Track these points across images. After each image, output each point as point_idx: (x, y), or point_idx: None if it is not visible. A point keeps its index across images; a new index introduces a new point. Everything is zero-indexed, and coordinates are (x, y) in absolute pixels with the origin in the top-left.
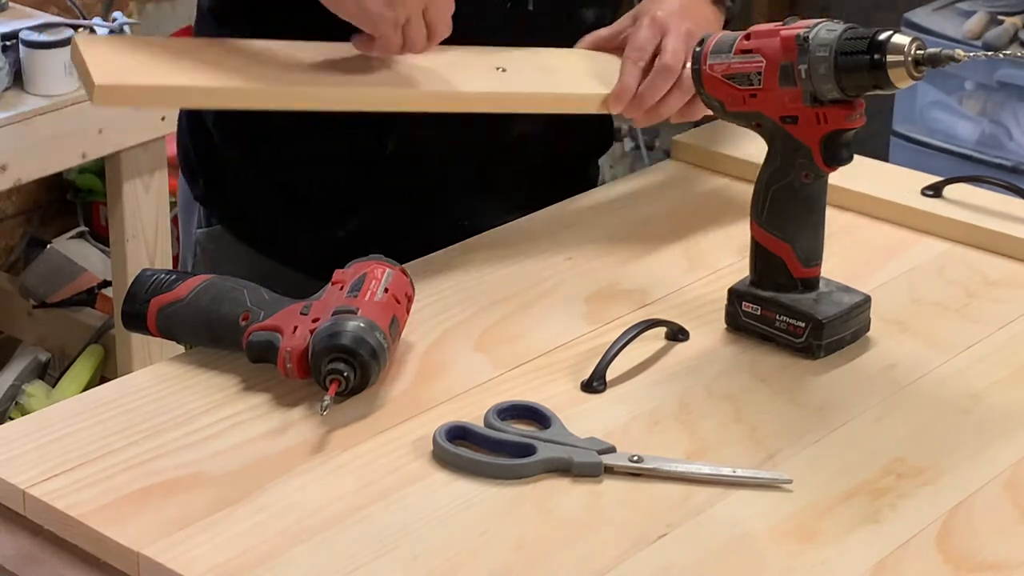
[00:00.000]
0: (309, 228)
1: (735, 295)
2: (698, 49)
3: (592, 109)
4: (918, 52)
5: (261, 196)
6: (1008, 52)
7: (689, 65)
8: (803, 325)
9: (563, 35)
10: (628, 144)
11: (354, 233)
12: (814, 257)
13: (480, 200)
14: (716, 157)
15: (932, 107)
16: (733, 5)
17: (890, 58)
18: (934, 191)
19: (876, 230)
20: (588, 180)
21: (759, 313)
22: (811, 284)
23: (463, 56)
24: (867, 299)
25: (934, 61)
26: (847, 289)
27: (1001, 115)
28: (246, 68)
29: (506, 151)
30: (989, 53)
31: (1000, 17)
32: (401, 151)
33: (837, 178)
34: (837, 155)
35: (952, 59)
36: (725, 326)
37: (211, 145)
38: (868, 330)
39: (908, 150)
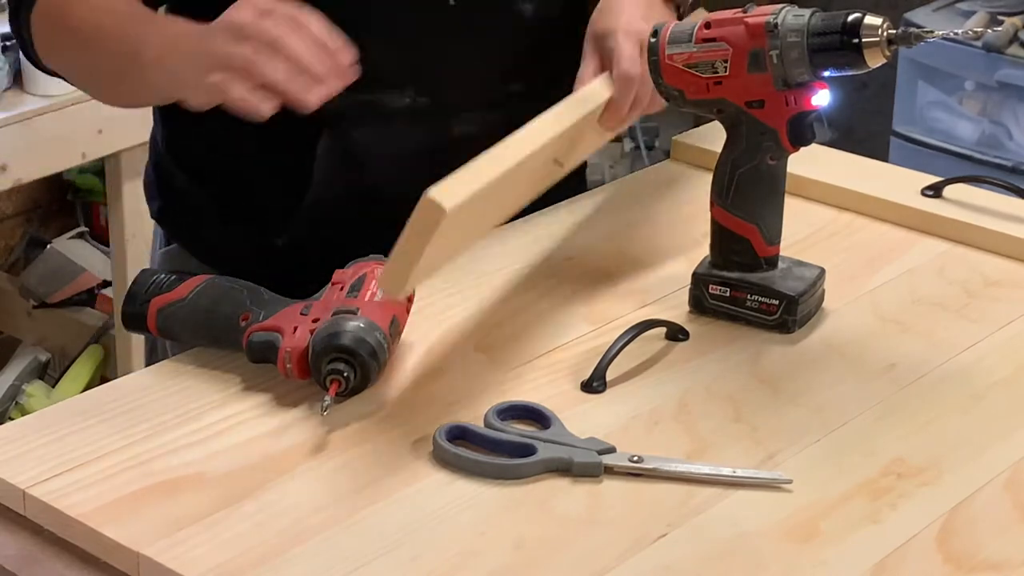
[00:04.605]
0: (250, 239)
1: (700, 279)
2: (653, 40)
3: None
4: (890, 31)
5: (204, 211)
6: (976, 39)
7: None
8: (776, 303)
9: (500, 32)
10: (628, 144)
11: (293, 242)
12: (777, 236)
13: None
14: (716, 157)
15: (932, 107)
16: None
17: (865, 39)
18: (934, 191)
19: (876, 230)
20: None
21: (728, 295)
22: (773, 262)
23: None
24: (823, 271)
25: (906, 39)
26: (801, 263)
27: (1001, 115)
28: None
29: (448, 152)
30: (957, 32)
31: (1000, 17)
32: (332, 157)
33: (838, 178)
34: (803, 135)
35: (920, 38)
36: (689, 309)
37: (163, 164)
38: (823, 300)
39: (908, 150)
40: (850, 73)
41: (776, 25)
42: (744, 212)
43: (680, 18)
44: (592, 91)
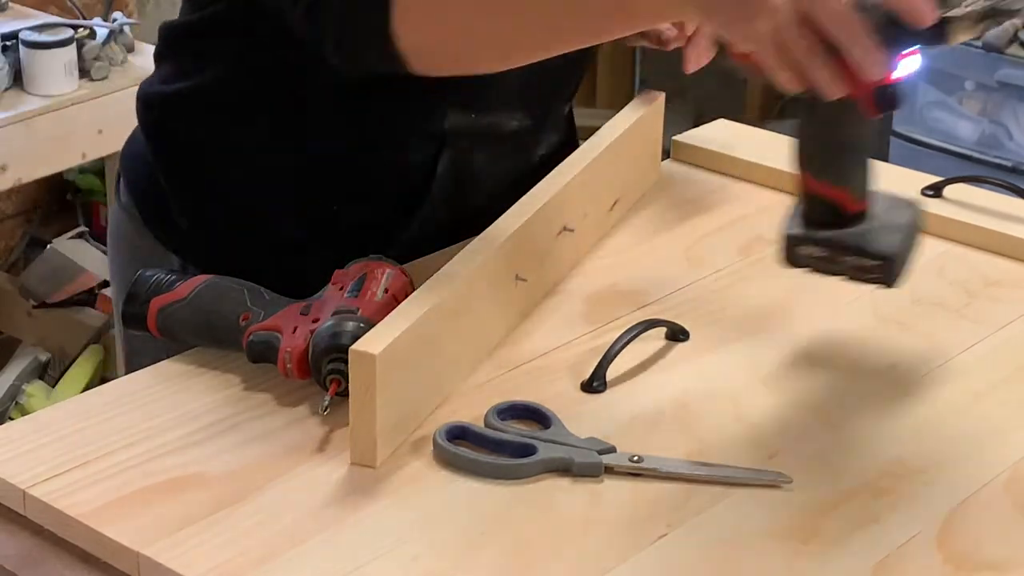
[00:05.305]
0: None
1: (792, 240)
2: None
3: None
4: (983, 5)
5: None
6: (976, 39)
7: None
8: (875, 263)
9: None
10: None
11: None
12: (867, 192)
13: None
14: (716, 157)
15: (932, 107)
16: None
17: (953, 11)
18: (934, 191)
19: None
20: None
21: (825, 255)
22: (864, 217)
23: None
24: (917, 209)
25: (996, 15)
26: (894, 202)
27: (1001, 115)
28: None
29: (529, 176)
30: None
31: None
32: (449, 177)
33: None
34: (889, 102)
35: (1011, 12)
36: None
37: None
38: (920, 230)
39: (908, 150)
40: (931, 47)
41: None
42: (833, 177)
43: None
44: (530, 199)
